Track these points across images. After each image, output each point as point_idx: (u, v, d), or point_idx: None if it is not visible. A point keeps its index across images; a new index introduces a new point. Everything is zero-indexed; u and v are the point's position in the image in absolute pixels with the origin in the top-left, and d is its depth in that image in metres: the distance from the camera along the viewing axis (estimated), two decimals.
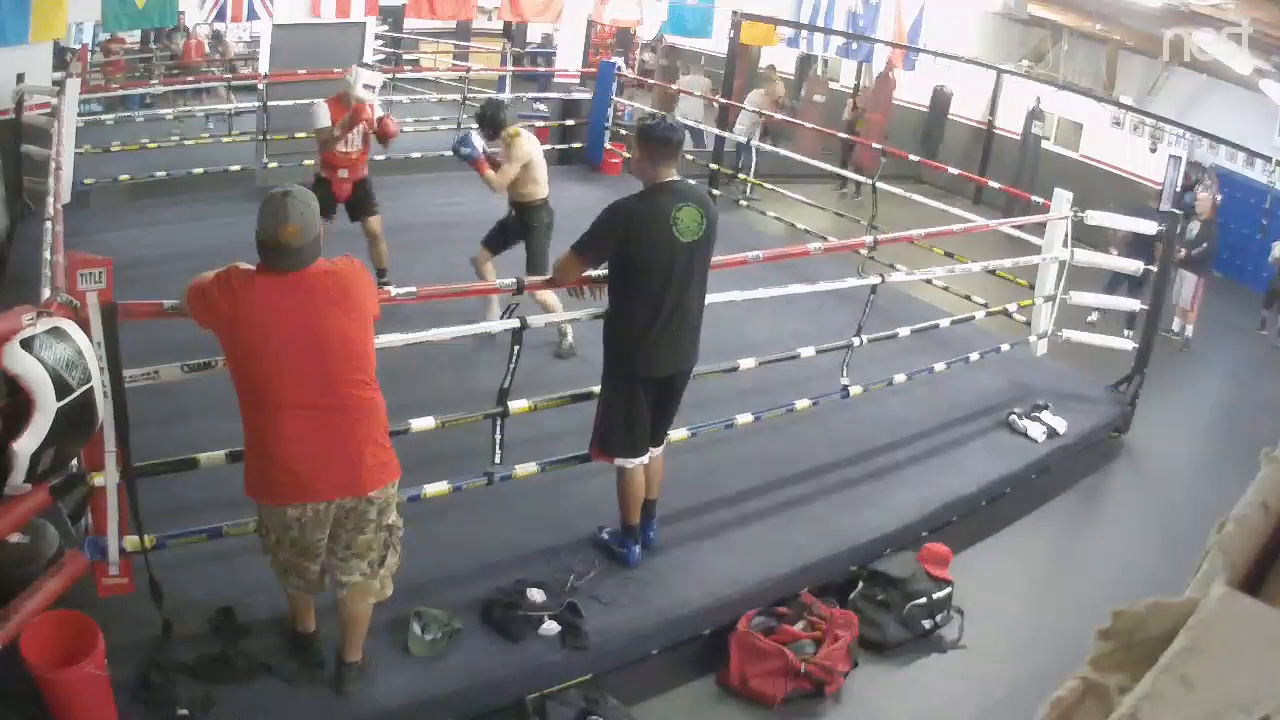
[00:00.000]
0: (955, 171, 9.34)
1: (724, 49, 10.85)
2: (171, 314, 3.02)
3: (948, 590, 4.16)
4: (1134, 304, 6.67)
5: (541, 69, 13.53)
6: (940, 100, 13.56)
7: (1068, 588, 4.77)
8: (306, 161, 8.42)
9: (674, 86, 12.86)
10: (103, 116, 9.50)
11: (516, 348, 3.91)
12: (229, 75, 12.26)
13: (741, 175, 9.69)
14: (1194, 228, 8.35)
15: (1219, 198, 9.34)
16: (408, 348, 3.78)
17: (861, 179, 9.92)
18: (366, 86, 6.05)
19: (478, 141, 5.61)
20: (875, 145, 8.71)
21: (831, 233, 8.11)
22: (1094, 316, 7.71)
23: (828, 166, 9.98)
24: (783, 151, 9.62)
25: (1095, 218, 6.27)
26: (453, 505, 3.95)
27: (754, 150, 9.92)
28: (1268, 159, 10.34)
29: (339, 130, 5.97)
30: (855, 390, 5.17)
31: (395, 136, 6.45)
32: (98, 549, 3.14)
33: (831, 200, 10.43)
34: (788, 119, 11.39)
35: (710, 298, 3.91)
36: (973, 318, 6.28)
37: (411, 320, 4.36)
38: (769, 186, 9.19)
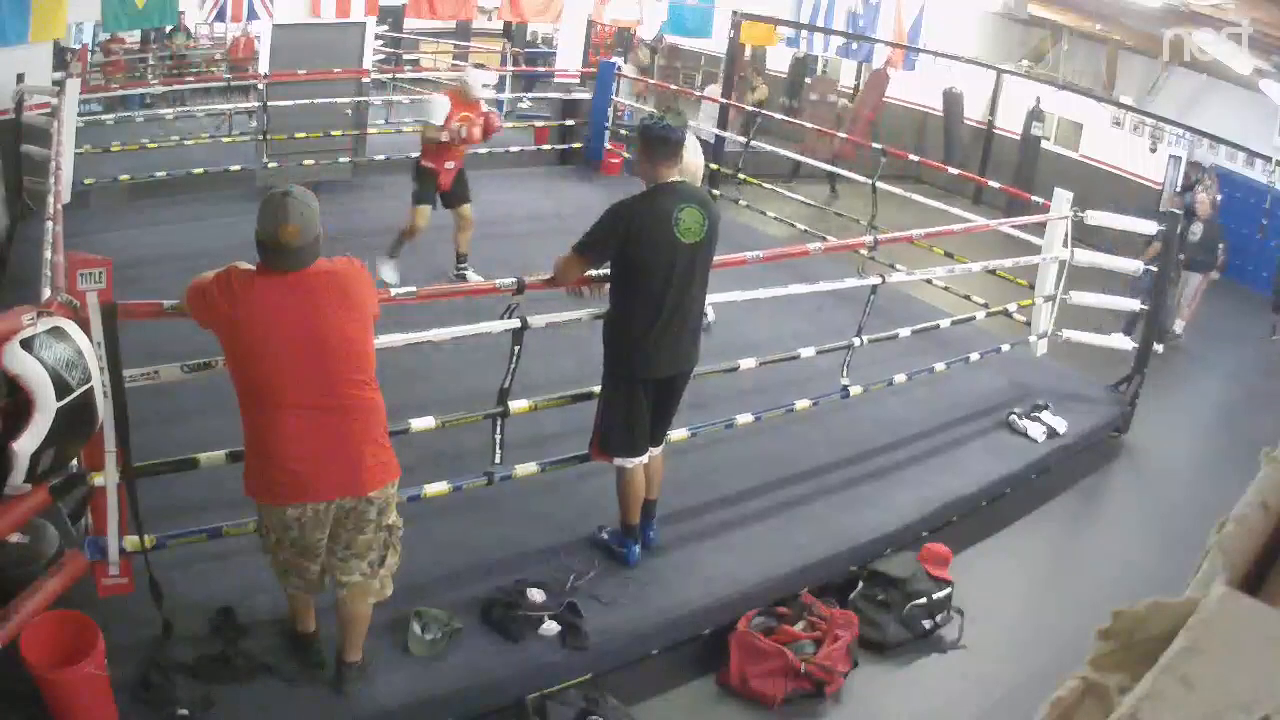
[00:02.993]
0: (955, 171, 9.33)
1: (724, 49, 10.86)
2: (171, 314, 3.02)
3: (948, 590, 4.16)
4: (1134, 304, 6.67)
5: (530, 69, 13.49)
6: (953, 104, 13.45)
7: (1068, 588, 4.77)
8: (306, 161, 8.45)
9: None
10: (103, 116, 9.49)
11: (517, 348, 3.91)
12: (229, 75, 12.25)
13: (715, 166, 9.61)
14: (1197, 229, 8.37)
15: (1218, 197, 9.36)
16: (408, 348, 3.78)
17: (842, 172, 9.77)
18: (484, 86, 6.65)
19: None
20: (876, 145, 8.69)
21: (830, 233, 8.11)
22: (1179, 326, 7.81)
23: (813, 161, 10.00)
24: (767, 148, 9.62)
25: (1095, 218, 6.27)
26: (453, 505, 3.95)
27: (723, 144, 9.89)
28: (1268, 159, 10.35)
29: (447, 135, 6.28)
30: (855, 390, 5.17)
31: (500, 132, 6.94)
32: (98, 549, 3.14)
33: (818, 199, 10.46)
34: (787, 117, 11.39)
35: (710, 298, 3.91)
36: (973, 318, 6.27)
37: (411, 320, 4.36)
38: (769, 186, 9.18)
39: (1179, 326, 8.46)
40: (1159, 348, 6.53)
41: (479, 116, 6.43)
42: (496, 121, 6.66)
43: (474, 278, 6.59)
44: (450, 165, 6.48)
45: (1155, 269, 6.34)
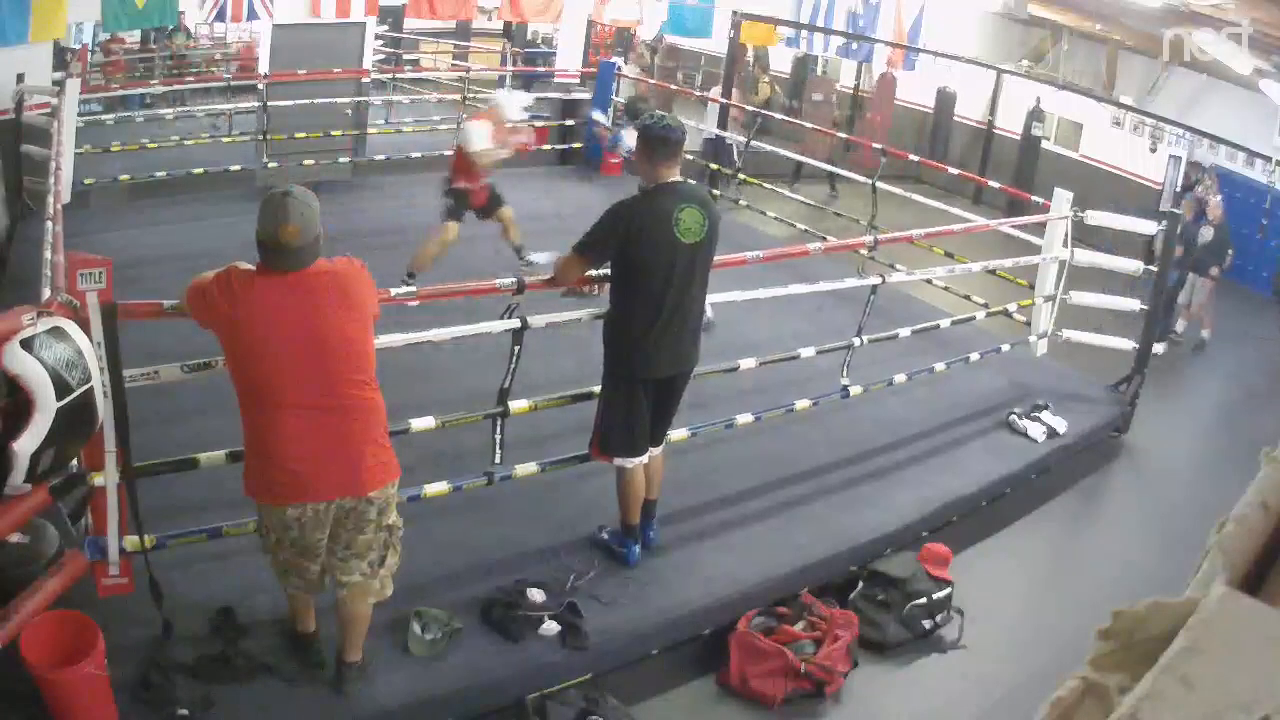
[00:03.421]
0: (955, 171, 9.33)
1: (724, 49, 10.86)
2: (171, 314, 3.02)
3: (948, 590, 4.16)
4: (1134, 304, 6.67)
5: (530, 69, 13.47)
6: (945, 102, 13.53)
7: (1068, 588, 4.77)
8: (306, 161, 8.45)
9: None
10: (103, 116, 9.50)
11: (517, 348, 3.91)
12: (229, 75, 12.26)
13: (714, 166, 9.62)
14: (1207, 232, 8.38)
15: (1219, 198, 9.37)
16: (408, 348, 3.78)
17: (842, 172, 9.72)
18: (521, 108, 6.72)
19: (629, 138, 6.21)
20: (876, 145, 8.68)
21: (830, 233, 8.11)
22: (1180, 326, 7.89)
23: (814, 161, 10.00)
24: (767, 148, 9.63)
25: (1095, 218, 6.28)
26: (453, 505, 3.95)
27: (730, 145, 9.88)
28: (1268, 159, 10.35)
29: (507, 152, 6.35)
30: (855, 390, 5.17)
31: (529, 150, 6.99)
32: (98, 549, 3.14)
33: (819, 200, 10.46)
34: (788, 117, 11.38)
35: (710, 298, 3.90)
36: (973, 318, 6.27)
37: (411, 320, 4.36)
38: (770, 186, 9.18)
39: (1204, 333, 8.45)
40: (1159, 348, 6.53)
41: (520, 143, 6.49)
42: (530, 142, 6.78)
43: (543, 257, 6.28)
44: (484, 183, 6.50)
45: (1155, 269, 6.34)
